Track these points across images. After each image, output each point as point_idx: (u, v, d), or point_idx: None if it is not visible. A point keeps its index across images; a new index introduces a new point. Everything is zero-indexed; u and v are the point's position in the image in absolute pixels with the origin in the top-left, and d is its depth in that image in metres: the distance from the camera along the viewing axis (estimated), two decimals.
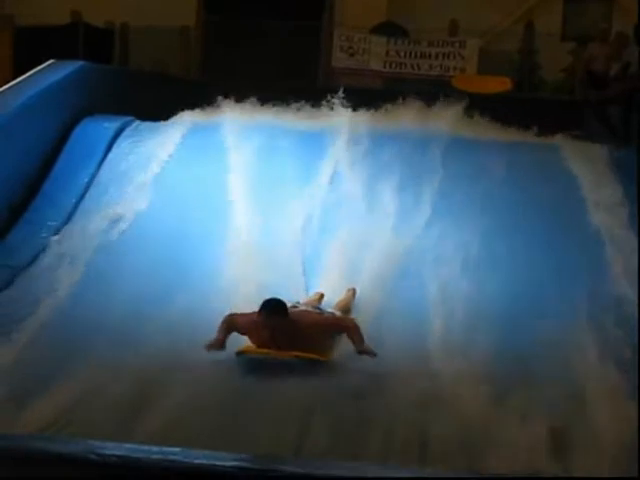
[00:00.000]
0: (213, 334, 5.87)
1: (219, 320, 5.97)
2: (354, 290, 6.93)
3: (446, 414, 5.17)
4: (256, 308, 5.79)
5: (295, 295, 6.66)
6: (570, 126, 9.57)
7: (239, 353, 5.81)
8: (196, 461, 3.20)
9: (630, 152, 9.39)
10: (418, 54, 13.22)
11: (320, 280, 7.21)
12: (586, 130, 9.56)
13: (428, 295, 6.97)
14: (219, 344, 5.80)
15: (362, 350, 5.72)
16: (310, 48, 13.46)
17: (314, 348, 5.76)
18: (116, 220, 7.95)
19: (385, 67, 13.35)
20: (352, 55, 13.33)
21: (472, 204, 8.07)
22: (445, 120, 9.30)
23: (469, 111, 9.48)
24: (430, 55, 13.20)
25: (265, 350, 5.73)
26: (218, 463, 3.19)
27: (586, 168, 8.61)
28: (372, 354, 5.70)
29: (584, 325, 6.50)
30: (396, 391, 5.44)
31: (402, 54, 13.26)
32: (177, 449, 3.20)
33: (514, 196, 8.22)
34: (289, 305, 5.94)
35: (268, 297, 5.83)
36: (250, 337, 5.88)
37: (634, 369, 5.68)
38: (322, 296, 6.80)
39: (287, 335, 5.70)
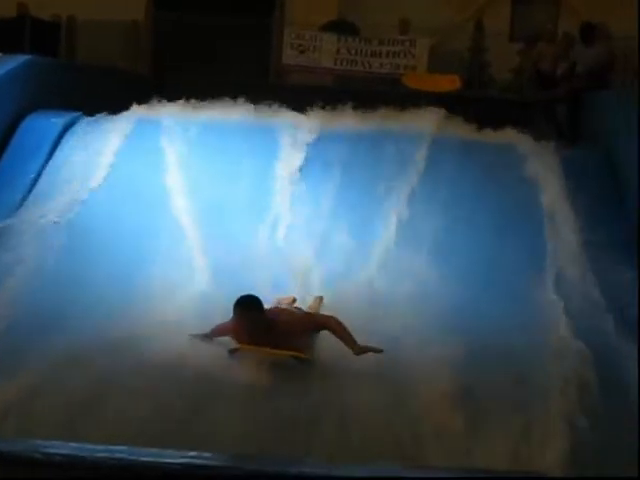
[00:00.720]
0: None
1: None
2: (321, 298, 6.92)
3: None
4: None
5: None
6: (518, 125, 9.68)
7: (232, 350, 5.81)
8: (143, 459, 3.16)
9: (577, 151, 9.54)
10: (369, 52, 13.25)
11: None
12: (534, 129, 9.64)
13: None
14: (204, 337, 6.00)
15: (360, 350, 5.55)
16: (261, 45, 13.41)
17: (294, 346, 5.70)
18: (62, 216, 7.86)
19: (336, 65, 13.35)
20: (303, 52, 13.32)
21: (423, 199, 8.16)
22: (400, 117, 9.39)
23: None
24: (381, 53, 13.24)
25: (258, 348, 5.67)
26: (166, 461, 3.15)
27: (534, 165, 8.71)
28: (376, 351, 5.53)
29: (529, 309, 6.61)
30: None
31: (353, 52, 13.28)
32: (123, 447, 3.15)
33: (464, 192, 8.31)
34: (269, 306, 5.97)
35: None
36: (234, 337, 5.88)
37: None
38: (294, 300, 6.77)
39: (264, 331, 5.66)
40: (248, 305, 5.67)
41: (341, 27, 13.65)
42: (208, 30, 13.27)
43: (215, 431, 4.88)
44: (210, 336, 6.08)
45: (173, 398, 5.29)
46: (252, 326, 5.67)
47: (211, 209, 8.10)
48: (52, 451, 3.11)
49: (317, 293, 7.06)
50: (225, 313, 5.92)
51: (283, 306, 6.23)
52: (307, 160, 8.64)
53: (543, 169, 8.67)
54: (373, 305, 6.85)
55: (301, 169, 8.56)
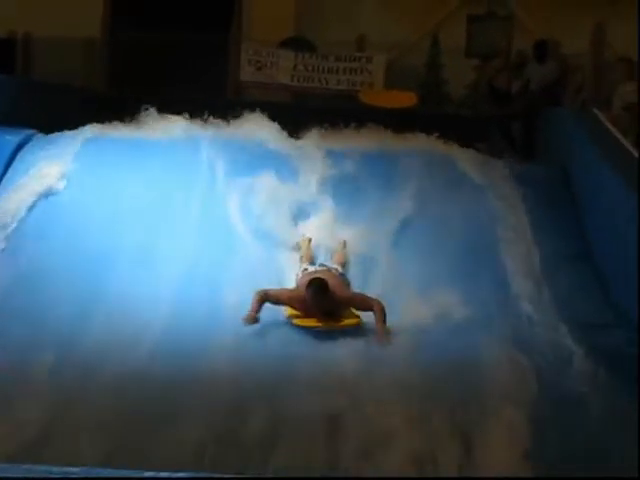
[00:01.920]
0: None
1: None
2: (344, 242, 7.73)
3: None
4: None
5: None
6: (474, 141, 9.78)
7: (296, 324, 6.66)
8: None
9: (532, 166, 9.65)
10: (326, 69, 13.31)
11: None
12: (489, 145, 9.76)
13: None
14: (252, 319, 6.56)
15: (380, 334, 6.48)
16: (218, 62, 13.41)
17: (348, 316, 6.75)
18: (14, 233, 7.80)
19: (293, 81, 13.38)
20: (260, 69, 13.34)
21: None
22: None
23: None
24: (338, 70, 13.30)
25: (317, 323, 6.63)
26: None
27: (489, 181, 8.79)
28: (387, 342, 6.40)
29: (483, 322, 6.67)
30: None
31: (310, 68, 13.33)
32: (76, 469, 3.12)
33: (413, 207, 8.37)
34: (313, 269, 7.03)
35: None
36: (295, 309, 6.75)
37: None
38: (310, 240, 7.71)
39: (329, 308, 6.64)
40: (320, 288, 6.58)
41: (298, 44, 13.70)
42: (166, 46, 13.24)
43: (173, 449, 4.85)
44: (257, 306, 6.63)
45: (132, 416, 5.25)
46: (320, 304, 6.57)
47: (161, 227, 8.04)
48: (6, 475, 3.08)
49: None
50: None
51: (311, 269, 7.08)
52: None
53: (498, 185, 8.75)
54: None
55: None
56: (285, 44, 13.68)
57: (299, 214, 8.23)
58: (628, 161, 8.12)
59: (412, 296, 7.13)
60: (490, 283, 7.45)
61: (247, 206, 8.19)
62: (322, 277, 6.75)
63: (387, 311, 6.69)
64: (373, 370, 5.97)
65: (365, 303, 6.78)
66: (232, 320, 6.63)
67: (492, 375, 5.99)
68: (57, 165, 8.62)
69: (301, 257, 7.54)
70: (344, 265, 7.47)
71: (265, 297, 6.72)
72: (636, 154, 8.18)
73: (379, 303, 6.70)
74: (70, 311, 6.74)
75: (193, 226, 8.01)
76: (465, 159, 9.10)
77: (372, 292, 7.09)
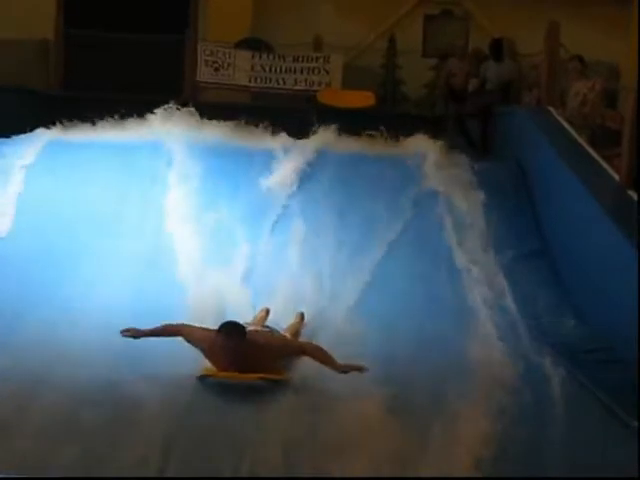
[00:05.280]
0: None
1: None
2: (302, 314, 6.95)
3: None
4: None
5: None
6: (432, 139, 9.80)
7: (202, 376, 5.72)
8: None
9: (489, 164, 9.71)
10: (283, 69, 13.27)
11: None
12: (446, 143, 9.78)
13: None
14: (137, 333, 5.83)
15: (344, 369, 5.60)
16: (174, 62, 13.30)
17: (271, 369, 5.75)
18: None
19: (251, 82, 13.31)
20: (217, 70, 13.25)
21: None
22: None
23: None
24: (295, 70, 13.27)
25: (229, 374, 5.66)
26: None
27: (446, 179, 8.83)
28: (360, 369, 5.56)
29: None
30: None
31: (267, 69, 13.28)
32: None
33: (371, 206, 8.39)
34: (253, 328, 6.00)
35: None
36: (209, 358, 5.79)
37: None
38: (268, 312, 6.86)
39: (246, 357, 5.63)
40: (234, 331, 5.66)
41: (255, 44, 13.65)
42: (120, 47, 13.11)
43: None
44: (156, 333, 5.89)
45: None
46: (236, 352, 5.61)
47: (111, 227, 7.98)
48: None
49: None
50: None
51: (252, 328, 6.08)
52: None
53: (456, 182, 8.80)
54: None
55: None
56: (242, 44, 13.62)
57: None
58: (583, 158, 8.21)
59: (377, 290, 7.17)
60: (447, 284, 7.48)
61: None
62: (236, 322, 5.82)
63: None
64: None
65: (298, 348, 6.03)
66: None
67: (454, 372, 6.04)
68: (15, 168, 8.53)
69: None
70: (297, 335, 6.66)
71: (176, 330, 5.88)
72: (590, 151, 8.28)
73: (309, 344, 6.03)
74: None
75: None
76: (422, 156, 9.14)
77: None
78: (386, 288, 7.45)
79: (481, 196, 8.61)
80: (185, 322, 6.02)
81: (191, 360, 5.87)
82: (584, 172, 7.75)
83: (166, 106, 9.49)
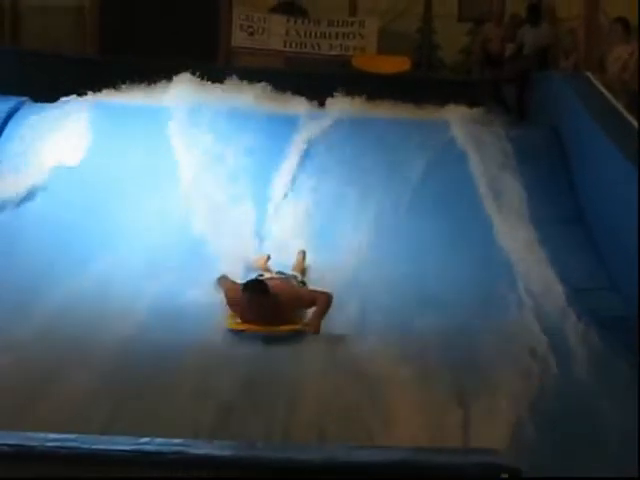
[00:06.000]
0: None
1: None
2: (304, 252, 7.32)
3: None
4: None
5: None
6: (467, 105, 9.74)
7: (233, 329, 6.12)
8: (94, 447, 3.16)
9: (526, 129, 9.64)
10: (318, 34, 13.21)
11: None
12: (483, 109, 9.72)
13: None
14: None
15: (311, 322, 6.10)
16: (210, 27, 13.30)
17: (292, 319, 6.20)
18: (10, 202, 7.81)
19: (285, 47, 13.29)
20: (252, 34, 13.24)
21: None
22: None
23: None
24: (330, 35, 13.21)
25: (256, 327, 6.09)
26: (117, 448, 3.16)
27: (481, 146, 8.79)
28: (314, 330, 6.04)
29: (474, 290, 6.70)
30: None
31: (302, 34, 13.23)
32: (73, 435, 3.15)
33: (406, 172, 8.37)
34: (269, 275, 6.56)
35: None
36: (235, 312, 6.25)
37: None
38: (268, 257, 7.28)
39: (269, 311, 6.08)
40: (257, 290, 6.10)
41: (290, 9, 13.59)
42: (156, 12, 13.12)
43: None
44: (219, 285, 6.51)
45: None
46: (259, 308, 6.08)
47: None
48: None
49: None
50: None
51: (267, 276, 6.58)
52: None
53: (493, 147, 8.76)
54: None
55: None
56: (276, 9, 13.58)
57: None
58: (620, 124, 8.11)
59: (408, 257, 7.17)
60: (482, 246, 7.47)
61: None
62: (261, 279, 6.37)
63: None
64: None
65: (311, 298, 6.34)
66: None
67: (489, 339, 6.02)
68: (56, 132, 8.61)
69: (255, 269, 7.10)
70: (304, 273, 7.07)
71: (221, 283, 6.56)
72: (629, 117, 8.18)
73: (324, 295, 6.29)
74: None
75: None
76: (456, 124, 9.09)
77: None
78: (416, 247, 7.44)
79: (516, 161, 8.57)
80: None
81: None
82: (621, 138, 7.66)
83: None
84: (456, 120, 9.17)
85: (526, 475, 3.03)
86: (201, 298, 6.55)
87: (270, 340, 5.99)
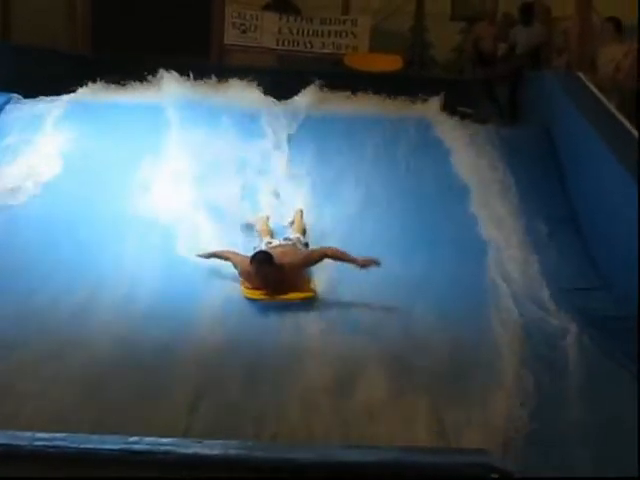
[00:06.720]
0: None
1: None
2: (301, 210, 7.65)
3: None
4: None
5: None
6: (459, 104, 9.75)
7: (248, 298, 6.53)
8: (83, 446, 3.13)
9: (518, 129, 9.65)
10: (311, 32, 13.21)
11: None
12: (475, 108, 9.74)
13: None
14: (207, 255, 6.85)
15: (363, 264, 6.46)
16: (202, 24, 13.27)
17: (300, 285, 6.61)
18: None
19: (278, 45, 13.29)
20: (244, 32, 13.23)
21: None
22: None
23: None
24: (322, 33, 13.21)
25: (270, 297, 6.50)
26: (106, 447, 3.13)
27: (472, 146, 8.79)
28: (376, 263, 6.43)
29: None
30: None
31: (295, 31, 13.23)
32: (62, 435, 3.12)
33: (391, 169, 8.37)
34: (277, 242, 6.98)
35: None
36: (246, 280, 6.66)
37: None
38: (268, 218, 7.61)
39: (276, 280, 6.50)
40: (262, 261, 6.50)
41: (282, 6, 13.58)
42: (148, 9, 13.09)
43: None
44: (216, 255, 6.84)
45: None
46: (265, 278, 6.49)
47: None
48: None
49: None
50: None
51: (275, 242, 7.01)
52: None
53: (482, 147, 8.76)
54: None
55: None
56: (269, 7, 13.56)
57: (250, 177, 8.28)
58: (612, 124, 8.12)
59: (398, 252, 7.16)
60: (471, 247, 7.44)
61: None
62: (267, 250, 6.74)
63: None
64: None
65: (319, 255, 6.75)
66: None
67: (478, 339, 6.00)
68: (45, 127, 8.57)
69: (258, 232, 7.44)
70: (304, 232, 7.42)
71: (225, 254, 6.86)
72: (620, 117, 8.18)
73: (330, 248, 6.75)
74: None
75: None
76: (446, 123, 9.10)
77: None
78: (400, 244, 7.43)
79: (508, 160, 8.56)
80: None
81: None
82: (612, 138, 7.66)
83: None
84: (447, 120, 9.18)
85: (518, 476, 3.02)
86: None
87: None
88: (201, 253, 6.90)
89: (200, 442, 3.20)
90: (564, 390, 5.41)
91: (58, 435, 3.11)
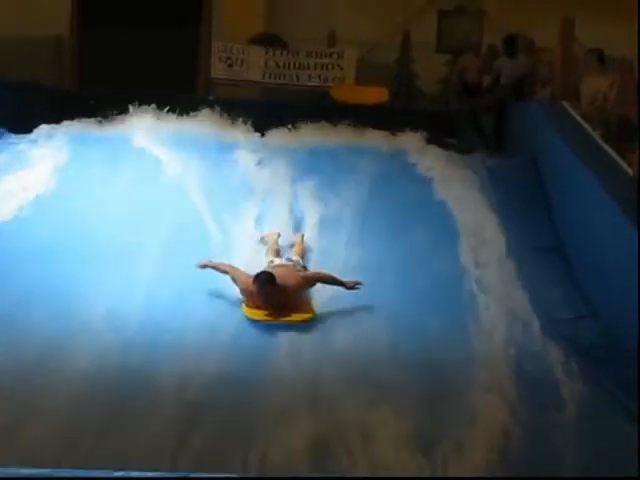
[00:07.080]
0: None
1: None
2: (302, 235, 7.88)
3: None
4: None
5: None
6: (445, 135, 9.80)
7: (249, 318, 6.62)
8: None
9: (503, 160, 9.70)
10: (297, 65, 13.29)
11: None
12: (460, 139, 9.79)
13: None
14: (207, 264, 7.01)
15: (350, 286, 6.82)
16: (188, 58, 13.35)
17: (301, 306, 6.76)
18: None
19: (264, 78, 13.35)
20: (231, 66, 13.28)
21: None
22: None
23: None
24: (309, 66, 13.29)
25: (270, 317, 6.59)
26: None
27: (456, 175, 8.84)
28: (358, 284, 6.81)
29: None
30: None
31: (281, 65, 13.30)
32: (46, 470, 3.09)
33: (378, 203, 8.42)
34: (279, 262, 7.16)
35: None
36: (247, 299, 6.75)
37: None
38: (279, 235, 7.82)
39: (278, 300, 6.63)
40: (264, 281, 6.61)
41: (269, 40, 13.66)
42: (135, 43, 13.16)
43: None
44: (216, 267, 6.98)
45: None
46: (267, 297, 6.60)
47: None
48: None
49: None
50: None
51: (278, 262, 7.17)
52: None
53: (469, 178, 8.80)
54: None
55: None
56: (256, 41, 13.64)
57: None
58: (597, 153, 8.17)
59: (387, 285, 7.19)
60: (457, 277, 7.44)
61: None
62: (270, 271, 6.82)
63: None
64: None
65: (313, 280, 6.97)
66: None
67: (466, 369, 5.99)
68: (28, 162, 8.60)
69: (267, 250, 7.60)
70: (303, 256, 7.59)
71: (227, 269, 6.93)
72: (605, 147, 8.23)
73: (321, 273, 7.03)
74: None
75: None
76: (432, 154, 9.16)
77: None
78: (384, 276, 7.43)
79: (494, 191, 8.59)
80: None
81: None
82: (598, 168, 7.71)
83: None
84: (431, 151, 9.26)
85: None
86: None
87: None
88: (201, 263, 7.03)
89: (187, 476, 3.18)
90: (549, 416, 5.39)
91: (43, 471, 3.09)
